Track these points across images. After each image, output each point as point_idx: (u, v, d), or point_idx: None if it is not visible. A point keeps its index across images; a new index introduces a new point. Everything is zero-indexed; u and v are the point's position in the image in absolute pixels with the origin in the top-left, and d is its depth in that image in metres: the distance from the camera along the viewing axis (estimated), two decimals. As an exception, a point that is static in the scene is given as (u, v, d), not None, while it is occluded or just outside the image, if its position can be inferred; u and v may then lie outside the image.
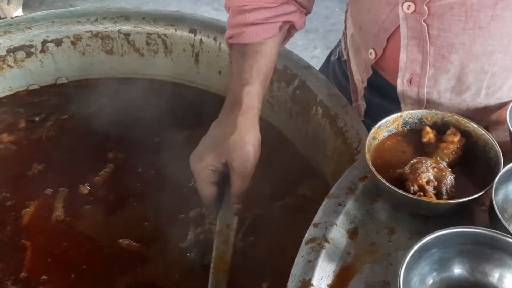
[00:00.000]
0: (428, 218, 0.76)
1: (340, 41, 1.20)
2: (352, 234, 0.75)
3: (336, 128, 1.02)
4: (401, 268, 0.59)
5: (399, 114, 0.82)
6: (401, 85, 0.94)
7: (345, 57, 1.14)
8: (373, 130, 0.80)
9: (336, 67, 1.21)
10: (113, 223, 1.01)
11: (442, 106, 0.94)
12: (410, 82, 0.92)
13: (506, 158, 0.78)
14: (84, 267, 0.94)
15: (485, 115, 0.93)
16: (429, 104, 0.94)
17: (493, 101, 0.92)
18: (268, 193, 1.04)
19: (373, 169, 0.74)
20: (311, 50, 2.82)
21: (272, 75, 0.97)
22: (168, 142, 1.12)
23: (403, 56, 0.90)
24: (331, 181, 0.98)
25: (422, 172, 0.73)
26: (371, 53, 0.97)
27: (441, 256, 0.64)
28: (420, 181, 0.72)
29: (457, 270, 0.65)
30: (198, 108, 1.20)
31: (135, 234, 0.99)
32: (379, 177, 0.73)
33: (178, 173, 1.02)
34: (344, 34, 1.15)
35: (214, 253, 0.88)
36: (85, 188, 1.04)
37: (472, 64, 0.86)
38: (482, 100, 0.92)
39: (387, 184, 0.72)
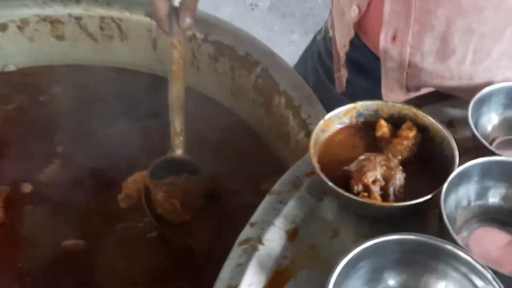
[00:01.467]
0: (376, 220, 0.69)
1: (327, 21, 1.14)
2: (292, 235, 0.68)
3: (299, 119, 0.96)
4: (329, 282, 0.53)
5: (352, 105, 0.75)
6: (384, 41, 0.88)
7: (331, 33, 1.08)
8: (321, 122, 0.73)
9: (322, 46, 1.15)
10: (58, 223, 0.94)
11: (425, 71, 0.86)
12: (394, 39, 0.86)
13: (467, 157, 0.72)
14: (27, 272, 0.88)
15: (469, 92, 0.86)
16: (411, 68, 0.87)
17: (480, 71, 0.85)
18: (229, 188, 0.98)
19: (316, 165, 0.68)
20: (288, 35, 2.73)
21: (233, 62, 0.93)
22: (124, 133, 1.05)
23: (387, 7, 0.84)
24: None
25: (368, 170, 0.66)
26: (354, 10, 0.92)
27: (376, 268, 0.58)
28: (365, 180, 0.65)
29: (395, 282, 0.59)
30: (157, 97, 1.13)
31: (81, 233, 0.93)
32: (321, 174, 0.66)
33: (133, 166, 0.96)
34: (331, 11, 1.09)
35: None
36: (27, 187, 0.98)
37: (459, 21, 0.79)
38: (468, 68, 0.84)
39: (328, 182, 0.65)
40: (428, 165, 0.71)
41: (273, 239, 0.67)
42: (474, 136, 0.71)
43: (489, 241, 0.68)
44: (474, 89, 0.82)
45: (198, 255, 0.92)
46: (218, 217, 0.95)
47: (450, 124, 0.82)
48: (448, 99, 0.86)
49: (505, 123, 0.78)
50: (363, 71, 1.02)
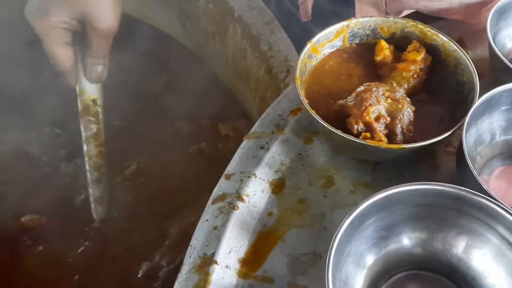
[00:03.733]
0: (377, 164, 0.57)
1: None
2: (277, 187, 0.56)
3: (259, 52, 0.80)
4: (330, 252, 0.41)
5: (345, 23, 0.61)
6: None
7: None
8: (308, 45, 0.59)
9: None
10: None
11: None
12: None
13: (483, 82, 0.60)
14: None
15: (463, 13, 0.72)
16: None
17: None
18: (183, 132, 0.84)
19: (305, 101, 0.54)
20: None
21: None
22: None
23: None
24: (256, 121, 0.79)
25: (370, 104, 0.53)
26: None
27: (386, 224, 0.46)
28: (367, 117, 0.52)
29: (409, 239, 0.47)
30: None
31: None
32: (312, 111, 0.53)
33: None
34: None
35: (84, 135, 0.72)
36: None
37: None
38: None
39: (322, 122, 0.52)
40: (439, 94, 0.58)
41: (255, 193, 0.55)
42: (493, 55, 0.58)
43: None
44: (468, 9, 0.68)
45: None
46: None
47: (460, 42, 0.68)
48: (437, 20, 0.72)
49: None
50: None
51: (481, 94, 0.53)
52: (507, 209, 0.44)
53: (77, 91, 0.69)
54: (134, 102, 0.88)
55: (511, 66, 0.56)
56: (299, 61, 0.57)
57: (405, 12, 0.77)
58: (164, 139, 0.84)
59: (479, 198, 0.45)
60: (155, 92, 0.92)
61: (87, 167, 0.74)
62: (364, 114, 0.52)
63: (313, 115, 0.53)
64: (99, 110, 0.71)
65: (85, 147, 0.73)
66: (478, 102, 0.51)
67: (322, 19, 0.84)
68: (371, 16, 0.61)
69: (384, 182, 0.54)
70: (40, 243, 0.76)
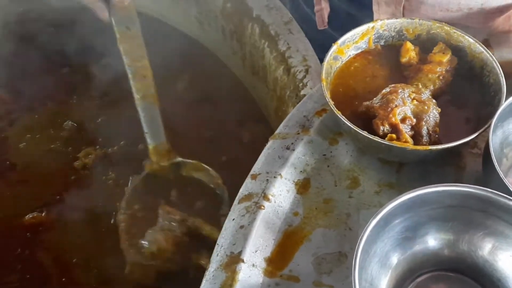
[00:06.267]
0: (402, 165, 0.58)
1: None
2: (302, 187, 0.57)
3: (277, 52, 0.81)
4: (357, 252, 0.42)
5: (370, 24, 0.61)
6: None
7: None
8: (334, 47, 0.59)
9: None
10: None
11: (426, 4, 0.70)
12: None
13: (508, 84, 0.59)
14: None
15: (484, 19, 0.72)
16: (410, 1, 0.72)
17: None
18: (205, 136, 0.86)
19: (331, 102, 0.55)
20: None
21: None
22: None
23: None
24: (274, 122, 0.79)
25: (396, 106, 0.53)
26: None
27: (412, 225, 0.47)
28: (393, 118, 0.53)
29: (435, 240, 0.48)
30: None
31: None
32: (338, 113, 0.54)
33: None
34: None
35: (127, 62, 0.72)
36: None
37: None
38: None
39: (348, 123, 0.53)
40: (465, 96, 0.58)
41: (280, 193, 0.56)
42: (520, 58, 0.58)
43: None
44: (486, 18, 0.68)
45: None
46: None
47: (486, 44, 0.68)
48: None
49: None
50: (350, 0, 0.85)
51: (507, 96, 0.53)
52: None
53: (110, 17, 0.70)
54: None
55: (539, 68, 0.56)
56: (325, 63, 0.58)
57: None
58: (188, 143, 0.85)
59: (505, 200, 0.45)
60: (173, 91, 0.92)
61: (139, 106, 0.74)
62: (390, 115, 0.53)
63: (339, 116, 0.53)
64: (137, 34, 0.71)
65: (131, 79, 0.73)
66: (505, 103, 0.51)
67: (338, 22, 0.85)
68: (396, 18, 0.62)
69: (409, 183, 0.55)
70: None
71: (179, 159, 0.78)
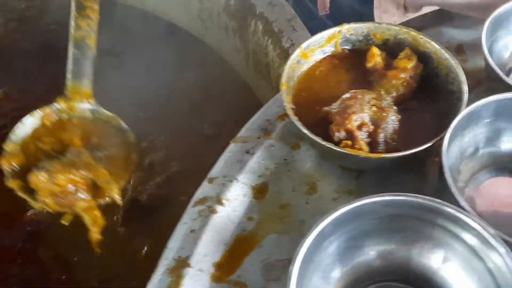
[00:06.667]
0: (362, 171, 0.57)
1: None
2: (259, 192, 0.56)
3: (281, 49, 0.80)
4: (293, 264, 0.41)
5: (337, 28, 0.60)
6: None
7: None
8: (298, 51, 0.59)
9: None
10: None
11: None
12: None
13: (478, 91, 0.58)
14: None
15: (483, 10, 0.69)
16: None
17: None
18: (206, 135, 0.85)
19: (288, 106, 0.54)
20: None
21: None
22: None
23: None
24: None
25: (353, 112, 0.52)
26: None
27: (357, 235, 0.46)
28: (349, 125, 0.52)
29: (375, 252, 0.46)
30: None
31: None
32: (293, 117, 0.53)
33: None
34: None
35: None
36: None
37: None
38: None
39: (302, 128, 0.52)
40: (430, 104, 0.57)
41: (236, 198, 0.55)
42: (487, 65, 0.57)
43: (500, 193, 0.56)
44: (488, 6, 0.66)
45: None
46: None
47: (459, 50, 0.67)
48: (456, 19, 0.70)
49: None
50: None
51: (470, 104, 0.52)
52: (478, 221, 0.42)
53: None
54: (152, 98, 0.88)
55: (502, 76, 0.54)
56: (287, 67, 0.57)
57: (425, 8, 0.75)
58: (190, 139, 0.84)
59: (453, 211, 0.44)
60: (175, 89, 0.92)
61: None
62: (346, 121, 0.52)
63: (294, 120, 0.52)
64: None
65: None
66: (461, 114, 0.50)
67: (341, 15, 0.83)
68: (363, 23, 0.61)
69: (368, 190, 0.54)
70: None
71: (97, 106, 0.75)
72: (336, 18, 0.84)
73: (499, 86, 0.56)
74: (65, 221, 0.70)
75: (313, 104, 0.58)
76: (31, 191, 0.68)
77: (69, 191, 0.68)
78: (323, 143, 0.51)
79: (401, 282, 0.47)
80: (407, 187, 0.55)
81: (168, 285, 0.49)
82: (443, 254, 0.46)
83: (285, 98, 0.55)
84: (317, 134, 0.53)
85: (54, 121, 0.75)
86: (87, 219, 0.69)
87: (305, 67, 0.60)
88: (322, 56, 0.61)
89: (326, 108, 0.55)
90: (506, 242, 0.42)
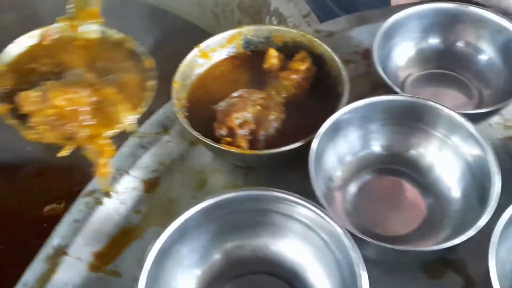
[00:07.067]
0: (252, 168, 0.58)
1: None
2: (151, 186, 0.58)
3: None
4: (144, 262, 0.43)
5: (237, 30, 0.62)
6: None
7: None
8: (196, 50, 0.60)
9: None
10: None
11: None
12: None
13: (376, 95, 0.60)
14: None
15: None
16: None
17: None
18: None
19: (174, 102, 0.56)
20: None
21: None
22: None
23: None
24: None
25: (236, 110, 0.54)
26: None
27: (216, 230, 0.47)
28: (229, 122, 0.53)
29: (239, 244, 0.48)
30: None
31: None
32: (179, 115, 0.55)
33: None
34: None
35: None
36: None
37: None
38: None
39: (184, 124, 0.54)
40: (320, 105, 0.59)
41: (125, 191, 0.57)
42: (377, 72, 0.59)
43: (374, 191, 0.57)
44: None
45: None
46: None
47: (366, 54, 0.69)
48: (369, 22, 0.72)
49: (422, 55, 0.65)
50: None
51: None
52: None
53: None
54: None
55: (389, 83, 0.56)
56: (182, 65, 0.59)
57: None
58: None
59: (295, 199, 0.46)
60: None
61: None
62: (228, 119, 0.54)
63: (179, 117, 0.54)
64: None
65: None
66: (327, 122, 0.51)
67: (356, 11, 0.82)
68: (264, 25, 0.63)
69: (255, 186, 0.56)
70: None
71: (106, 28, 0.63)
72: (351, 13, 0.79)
73: (390, 91, 0.58)
74: (64, 152, 0.54)
75: (209, 102, 0.59)
76: (23, 118, 0.54)
77: (68, 115, 0.54)
78: (202, 138, 0.52)
79: (269, 274, 0.49)
80: (291, 185, 0.57)
81: (43, 272, 0.50)
82: (295, 241, 0.48)
83: (175, 96, 0.56)
84: (209, 132, 0.55)
85: (53, 41, 0.61)
86: (92, 150, 0.54)
87: (205, 66, 0.62)
88: (224, 57, 0.63)
89: (214, 106, 0.56)
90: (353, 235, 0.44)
